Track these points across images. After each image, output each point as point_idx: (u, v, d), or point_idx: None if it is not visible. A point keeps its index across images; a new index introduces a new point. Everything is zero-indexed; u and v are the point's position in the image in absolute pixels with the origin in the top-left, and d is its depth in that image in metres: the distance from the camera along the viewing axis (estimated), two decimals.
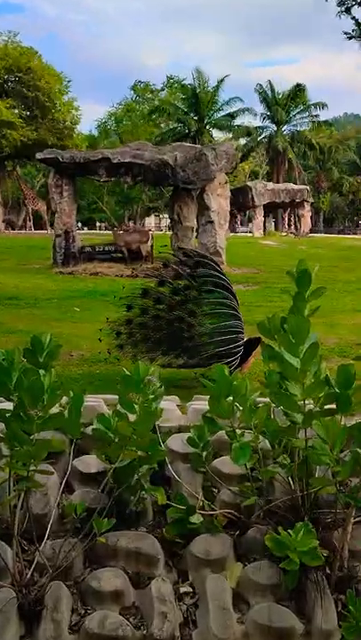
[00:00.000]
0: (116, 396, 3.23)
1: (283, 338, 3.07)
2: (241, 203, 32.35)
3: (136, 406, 3.06)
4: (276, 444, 3.32)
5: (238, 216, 41.13)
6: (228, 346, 5.46)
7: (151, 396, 3.14)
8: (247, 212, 40.25)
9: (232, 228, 36.10)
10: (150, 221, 55.48)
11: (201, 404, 3.92)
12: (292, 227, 38.94)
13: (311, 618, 2.93)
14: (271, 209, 36.86)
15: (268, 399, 3.31)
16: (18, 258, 18.29)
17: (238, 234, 37.06)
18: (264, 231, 34.78)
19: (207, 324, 5.43)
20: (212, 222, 17.22)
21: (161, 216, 55.85)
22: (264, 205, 33.20)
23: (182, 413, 4.10)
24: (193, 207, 17.32)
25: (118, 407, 3.16)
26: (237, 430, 3.21)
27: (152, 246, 17.31)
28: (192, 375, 5.78)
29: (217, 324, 5.46)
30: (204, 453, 3.42)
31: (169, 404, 4.05)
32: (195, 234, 18.05)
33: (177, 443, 3.61)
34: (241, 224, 47.83)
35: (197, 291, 5.47)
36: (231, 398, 3.15)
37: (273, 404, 3.30)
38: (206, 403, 3.26)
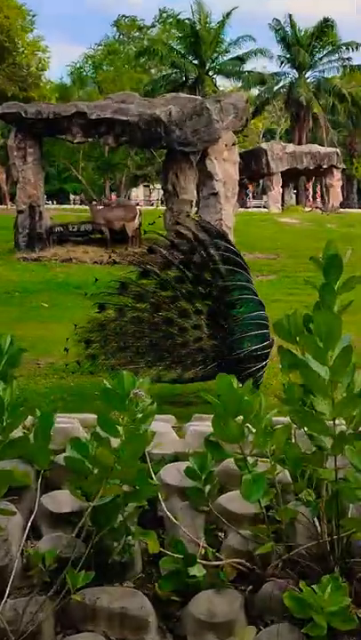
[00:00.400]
0: (95, 416, 3.23)
1: (307, 340, 3.07)
2: (253, 170, 32.35)
3: (120, 428, 3.06)
4: (298, 476, 3.33)
5: (250, 187, 41.16)
6: (262, 343, 5.40)
7: (139, 415, 3.14)
8: (261, 182, 40.19)
9: (242, 202, 36.04)
10: (138, 194, 55.49)
11: (203, 425, 3.91)
12: (319, 200, 38.94)
13: None
14: (292, 177, 36.90)
15: (287, 419, 3.31)
16: None
17: (250, 209, 37.03)
18: (282, 206, 34.80)
19: (236, 315, 5.36)
20: (216, 194, 17.24)
21: (152, 187, 55.81)
22: (282, 173, 33.21)
23: (179, 437, 4.11)
24: (192, 175, 17.33)
25: (97, 429, 3.16)
26: (249, 458, 3.21)
27: (140, 225, 17.33)
28: (191, 388, 5.79)
29: (248, 314, 5.42)
30: (207, 488, 3.43)
31: (162, 425, 4.06)
32: (194, 209, 18.04)
33: (173, 474, 3.62)
34: (253, 197, 47.94)
35: (192, 284, 5.46)
36: (241, 418, 3.15)
37: (294, 425, 3.30)
38: (209, 423, 3.26)
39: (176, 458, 3.81)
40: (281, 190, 34.62)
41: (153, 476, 3.48)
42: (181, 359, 5.50)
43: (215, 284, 5.40)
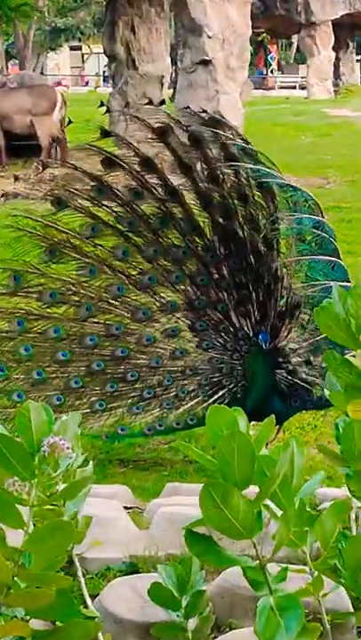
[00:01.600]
0: None
1: None
2: (279, 16, 32.52)
3: (25, 511, 3.06)
4: None
5: (272, 49, 41.36)
6: (344, 279, 5.53)
7: (61, 487, 3.15)
8: (295, 41, 40.46)
9: (259, 80, 36.22)
10: (60, 64, 55.48)
11: (182, 502, 3.94)
12: None
13: None
14: (352, 32, 37.15)
15: (344, 490, 3.34)
16: None
17: (273, 92, 37.25)
18: (336, 86, 35.01)
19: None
20: (207, 64, 17.29)
21: (86, 51, 55.86)
22: (334, 23, 33.41)
23: (139, 527, 4.13)
24: (162, 28, 17.39)
25: None
26: (270, 566, 3.23)
27: (64, 122, 17.33)
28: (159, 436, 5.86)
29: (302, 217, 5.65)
30: (193, 623, 3.44)
31: (107, 504, 4.08)
32: (167, 92, 18.07)
33: (126, 598, 3.65)
34: (279, 68, 48.11)
35: (148, 257, 5.61)
36: (256, 489, 3.17)
37: (357, 503, 3.33)
38: (195, 501, 3.28)
39: (133, 566, 3.84)
40: (333, 57, 34.81)
41: (89, 601, 3.49)
42: (156, 392, 5.59)
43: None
